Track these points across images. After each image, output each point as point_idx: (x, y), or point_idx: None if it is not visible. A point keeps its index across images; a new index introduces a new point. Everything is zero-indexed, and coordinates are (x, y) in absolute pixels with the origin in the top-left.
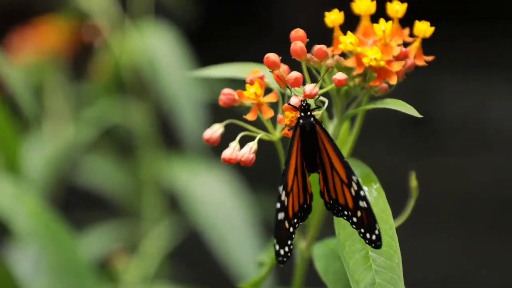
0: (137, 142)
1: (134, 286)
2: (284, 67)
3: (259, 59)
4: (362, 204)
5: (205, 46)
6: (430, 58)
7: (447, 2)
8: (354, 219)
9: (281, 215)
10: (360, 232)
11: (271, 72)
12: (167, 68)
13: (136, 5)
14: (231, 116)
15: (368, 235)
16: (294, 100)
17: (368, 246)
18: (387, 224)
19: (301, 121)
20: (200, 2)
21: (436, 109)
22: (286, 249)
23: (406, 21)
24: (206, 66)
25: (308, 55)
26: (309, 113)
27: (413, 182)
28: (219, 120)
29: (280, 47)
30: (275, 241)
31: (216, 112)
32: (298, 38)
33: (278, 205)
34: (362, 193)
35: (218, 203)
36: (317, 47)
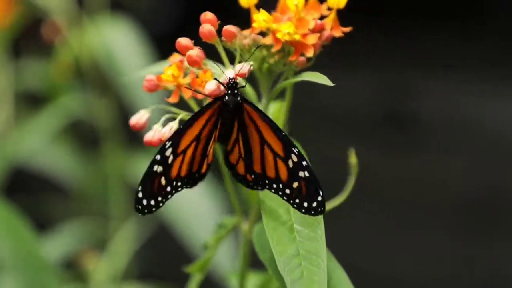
0: (100, 137)
1: (103, 285)
2: (197, 50)
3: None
4: (303, 174)
5: (170, 43)
6: (347, 29)
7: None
8: (287, 191)
9: (157, 168)
10: (294, 203)
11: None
12: (125, 61)
13: (92, 1)
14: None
15: (306, 204)
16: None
17: (293, 219)
18: None
19: (226, 97)
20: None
21: (416, 106)
22: (152, 202)
23: (385, 20)
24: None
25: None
26: (236, 91)
27: (353, 159)
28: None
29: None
30: (139, 188)
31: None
32: (206, 21)
33: (158, 157)
34: (304, 163)
35: (182, 196)
36: (224, 27)
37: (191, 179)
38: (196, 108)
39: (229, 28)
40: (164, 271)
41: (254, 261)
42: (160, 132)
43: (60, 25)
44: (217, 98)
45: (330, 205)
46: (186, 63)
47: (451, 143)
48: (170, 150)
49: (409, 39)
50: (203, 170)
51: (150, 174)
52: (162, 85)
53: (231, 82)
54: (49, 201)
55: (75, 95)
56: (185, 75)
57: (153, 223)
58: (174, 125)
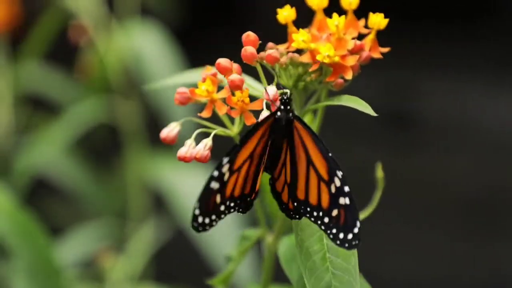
0: (123, 140)
1: (120, 285)
2: (236, 68)
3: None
4: (343, 201)
5: (193, 46)
6: (385, 49)
7: (429, 0)
8: (326, 220)
9: (214, 184)
10: (330, 233)
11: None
12: (154, 66)
13: (122, 5)
14: (216, 116)
15: (341, 235)
16: (271, 91)
17: (325, 248)
18: None
19: (278, 113)
20: (186, 2)
21: (417, 106)
22: (207, 220)
23: (395, 22)
24: (193, 66)
25: (259, 56)
26: (288, 107)
27: (379, 173)
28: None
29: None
30: (197, 205)
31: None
32: (249, 42)
33: (216, 173)
34: (346, 189)
35: None
36: (267, 52)
37: (242, 202)
38: (228, 124)
39: (272, 54)
40: (181, 273)
41: (276, 274)
42: (193, 148)
43: (88, 28)
44: (270, 115)
45: None
46: (219, 76)
47: (452, 143)
48: (227, 166)
49: (411, 40)
50: (252, 196)
51: (207, 191)
52: (194, 99)
53: (285, 98)
54: (66, 205)
55: (98, 98)
56: (219, 88)
57: (172, 226)
58: (208, 142)
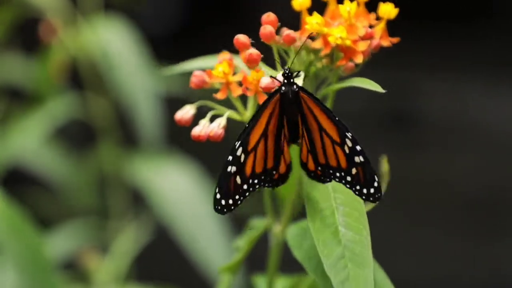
0: (96, 136)
1: (105, 286)
2: (252, 50)
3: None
4: (358, 159)
5: (193, 46)
6: (395, 39)
7: (429, 1)
8: (348, 178)
9: (231, 168)
10: (356, 190)
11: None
12: (121, 62)
13: (86, 1)
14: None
15: (365, 190)
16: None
17: (337, 222)
18: (356, 200)
19: (283, 88)
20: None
21: (417, 105)
22: (230, 201)
23: (397, 22)
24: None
25: (277, 38)
26: (292, 80)
27: (385, 167)
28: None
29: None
30: (217, 189)
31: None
32: (268, 22)
33: (230, 157)
34: (358, 147)
35: (182, 197)
36: (285, 32)
37: (268, 176)
38: (240, 107)
39: (291, 34)
40: (165, 272)
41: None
42: (208, 127)
43: (56, 25)
44: (274, 92)
45: (367, 206)
46: (235, 61)
47: (452, 143)
48: (240, 149)
49: (413, 40)
50: (282, 170)
51: (225, 175)
52: (210, 82)
53: (287, 72)
54: (47, 198)
55: (70, 95)
56: (234, 73)
57: (154, 225)
58: (222, 121)
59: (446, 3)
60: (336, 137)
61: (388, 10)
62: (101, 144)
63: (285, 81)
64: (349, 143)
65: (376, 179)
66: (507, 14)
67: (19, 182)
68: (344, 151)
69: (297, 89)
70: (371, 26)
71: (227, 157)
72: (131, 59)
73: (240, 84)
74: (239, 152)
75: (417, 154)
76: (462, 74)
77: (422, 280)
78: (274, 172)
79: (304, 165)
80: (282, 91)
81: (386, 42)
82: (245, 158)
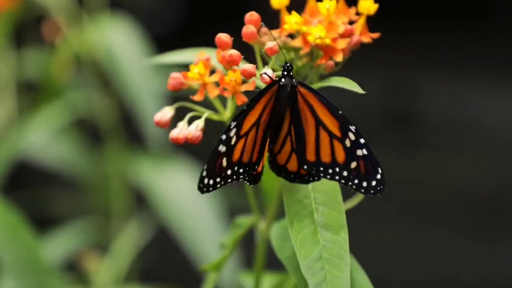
0: (102, 136)
1: (106, 287)
2: (232, 50)
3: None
4: (361, 152)
5: (195, 43)
6: (375, 35)
7: (430, 1)
8: (345, 173)
9: (222, 148)
10: (352, 185)
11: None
12: (126, 61)
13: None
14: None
15: (365, 183)
16: (269, 73)
17: (316, 222)
18: (336, 201)
19: (282, 80)
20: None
21: (417, 105)
22: (211, 182)
23: (387, 20)
24: None
25: (259, 38)
26: (291, 73)
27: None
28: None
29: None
30: (205, 167)
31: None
32: (251, 21)
33: (224, 136)
34: (362, 140)
35: (185, 199)
36: (267, 45)
37: (250, 170)
38: (220, 107)
39: (273, 46)
40: (165, 272)
41: (267, 262)
42: (186, 130)
43: (60, 23)
44: (274, 82)
45: (346, 206)
46: (212, 62)
47: (452, 143)
48: (234, 131)
49: (414, 40)
50: (259, 169)
51: (215, 153)
52: (187, 83)
53: (287, 65)
54: (52, 196)
55: (77, 93)
56: (211, 73)
57: (155, 226)
58: (200, 123)
59: (446, 3)
60: (336, 131)
61: (368, 6)
62: (105, 144)
63: (285, 73)
64: (352, 137)
65: (380, 171)
66: (508, 14)
67: (25, 182)
68: (344, 145)
69: (296, 83)
70: (351, 22)
71: (221, 135)
72: (136, 58)
73: (217, 84)
74: (232, 133)
75: (417, 154)
76: (462, 74)
77: (422, 280)
78: (256, 167)
79: (281, 168)
80: (281, 83)
81: (367, 38)
82: (236, 142)
